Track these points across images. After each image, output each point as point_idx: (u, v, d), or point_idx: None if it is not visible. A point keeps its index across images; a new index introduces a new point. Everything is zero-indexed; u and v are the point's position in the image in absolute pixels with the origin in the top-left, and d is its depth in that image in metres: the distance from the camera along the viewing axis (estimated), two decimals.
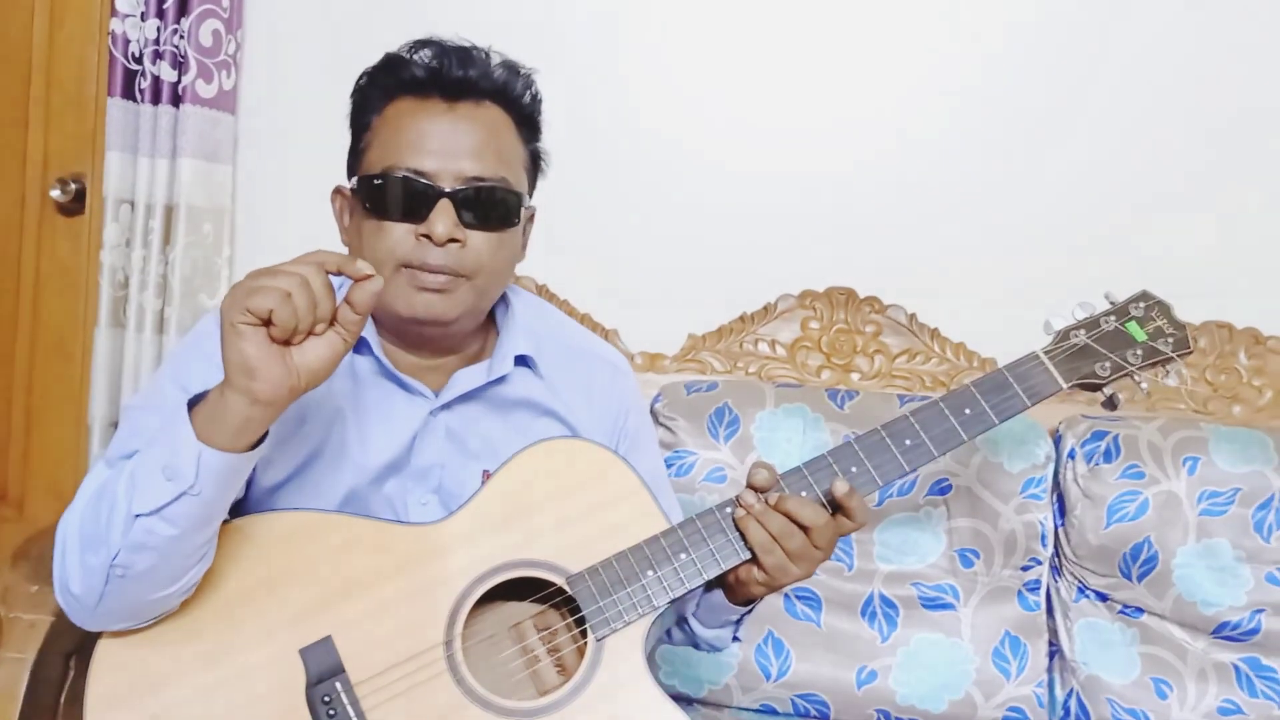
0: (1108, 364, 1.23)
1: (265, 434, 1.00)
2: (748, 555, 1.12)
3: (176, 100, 1.99)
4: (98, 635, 1.07)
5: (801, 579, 1.14)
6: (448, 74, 1.16)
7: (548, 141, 1.27)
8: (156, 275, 2.03)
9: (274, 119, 2.10)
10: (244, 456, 0.98)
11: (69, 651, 1.33)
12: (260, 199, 2.13)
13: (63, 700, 1.32)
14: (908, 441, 1.17)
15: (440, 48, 1.18)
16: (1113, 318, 1.25)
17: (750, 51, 2.00)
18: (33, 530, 1.61)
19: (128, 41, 1.99)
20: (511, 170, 1.18)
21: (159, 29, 1.97)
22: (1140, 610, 1.71)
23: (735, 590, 1.18)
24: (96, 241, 2.10)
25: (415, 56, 1.17)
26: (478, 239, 1.15)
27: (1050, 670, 1.75)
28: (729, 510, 1.14)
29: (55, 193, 2.20)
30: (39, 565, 1.35)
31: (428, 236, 1.12)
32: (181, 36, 1.96)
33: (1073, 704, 1.71)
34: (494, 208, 1.16)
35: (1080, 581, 1.74)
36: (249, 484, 1.17)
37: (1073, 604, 1.74)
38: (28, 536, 1.44)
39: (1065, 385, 1.22)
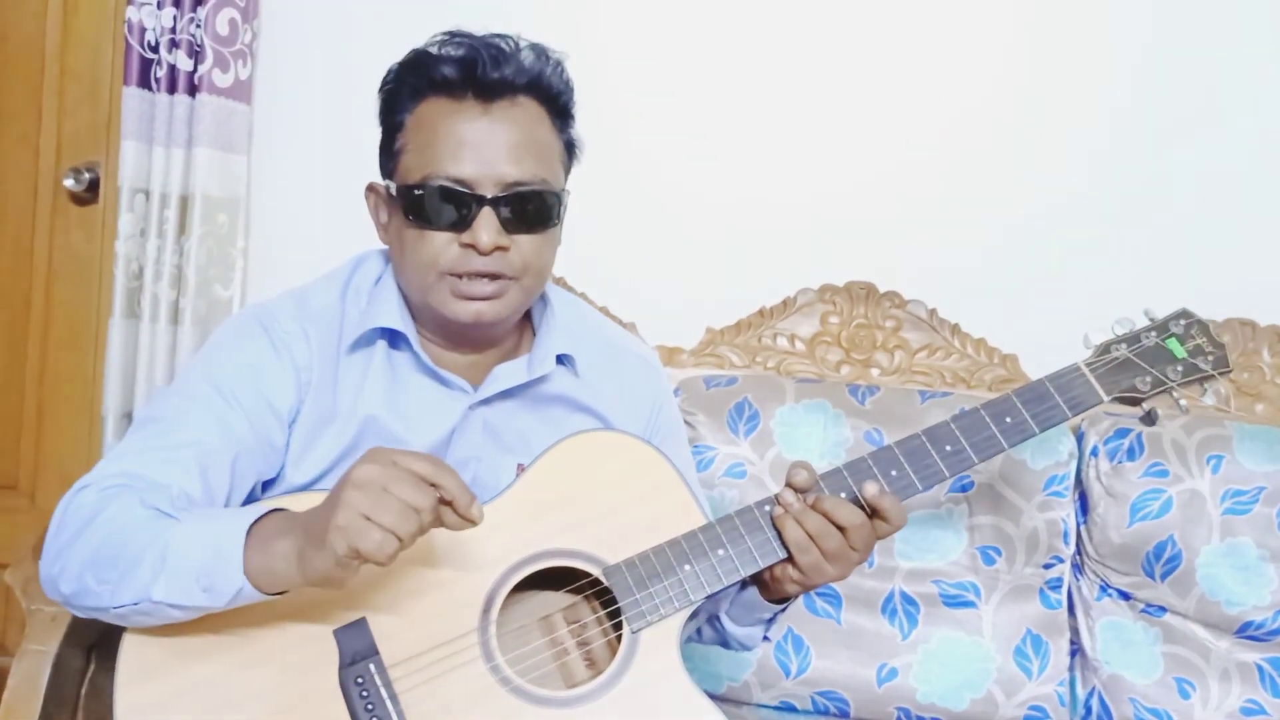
0: (1148, 379, 1.23)
1: None
2: (785, 554, 1.12)
3: (192, 90, 1.98)
4: None
5: (837, 579, 1.13)
6: (482, 74, 1.12)
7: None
8: (171, 266, 2.02)
9: (290, 109, 2.09)
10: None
11: (90, 644, 1.32)
12: (276, 189, 2.11)
13: (84, 692, 1.31)
14: (948, 447, 1.17)
15: (471, 44, 1.13)
16: (1153, 334, 1.26)
17: (771, 46, 1.98)
18: (46, 521, 1.60)
19: (144, 30, 1.98)
20: (550, 168, 1.16)
21: (175, 18, 1.96)
22: (1163, 609, 1.70)
23: (770, 588, 1.18)
24: (110, 231, 2.09)
25: (444, 52, 1.13)
26: (523, 242, 1.13)
27: (1072, 669, 1.73)
28: (768, 508, 1.13)
29: (69, 182, 2.19)
30: None
31: (472, 246, 1.11)
32: (198, 25, 1.95)
33: (1094, 703, 1.70)
34: (536, 211, 1.14)
35: (1103, 580, 1.72)
36: (280, 480, 1.17)
37: (1095, 603, 1.73)
38: (48, 528, 1.42)
39: (1106, 398, 1.22)
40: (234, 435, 1.11)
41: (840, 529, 1.10)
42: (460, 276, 1.13)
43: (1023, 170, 1.96)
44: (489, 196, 1.11)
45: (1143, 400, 1.24)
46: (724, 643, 1.31)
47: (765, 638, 1.30)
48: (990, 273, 1.97)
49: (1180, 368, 1.24)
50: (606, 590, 1.10)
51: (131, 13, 1.97)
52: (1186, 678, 1.67)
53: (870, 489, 1.11)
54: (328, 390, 1.18)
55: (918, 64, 1.96)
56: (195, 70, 1.97)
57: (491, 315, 1.15)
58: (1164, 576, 1.68)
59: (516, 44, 1.15)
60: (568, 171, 1.22)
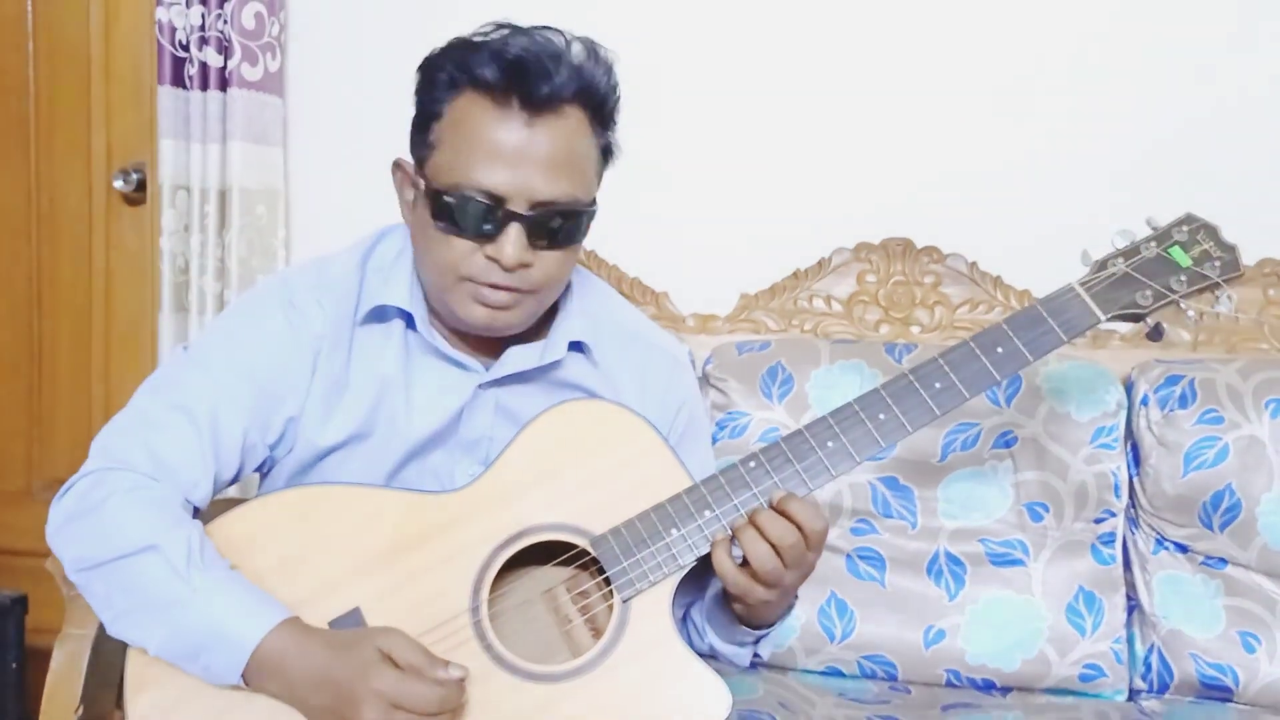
0: (1149, 292, 1.17)
1: None
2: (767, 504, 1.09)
3: (224, 85, 2.01)
4: None
5: (793, 587, 1.10)
6: (533, 86, 1.06)
7: None
8: (214, 259, 2.06)
9: (323, 99, 2.11)
10: None
11: None
12: (312, 179, 2.13)
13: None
14: (937, 384, 1.13)
15: (524, 49, 1.07)
16: (1154, 244, 1.19)
17: (801, 4, 1.94)
18: None
19: (174, 29, 2.01)
20: (584, 182, 1.12)
21: (203, 15, 1.99)
22: (1224, 561, 1.64)
23: (745, 617, 1.16)
24: (158, 228, 2.13)
25: (494, 49, 1.07)
26: (546, 257, 1.12)
27: (1129, 625, 1.67)
28: (752, 464, 1.11)
29: (118, 183, 2.26)
30: None
31: (496, 260, 1.09)
32: (225, 21, 1.98)
33: (1154, 660, 1.64)
34: (565, 229, 1.11)
35: (1158, 533, 1.66)
36: (300, 440, 1.19)
37: (1151, 556, 1.66)
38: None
39: (1104, 317, 1.16)
40: (247, 410, 1.15)
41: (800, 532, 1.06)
42: (479, 286, 1.12)
43: (1063, 117, 1.88)
44: (519, 213, 1.08)
45: (1145, 315, 1.17)
46: (712, 655, 1.26)
47: (757, 655, 1.26)
48: (1032, 222, 1.90)
49: (1184, 277, 1.17)
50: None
51: (161, 13, 2.00)
52: (1251, 631, 1.61)
53: (776, 496, 1.07)
54: (340, 357, 1.19)
55: (947, 13, 1.90)
56: (225, 66, 2.00)
57: (503, 324, 1.15)
58: (1223, 527, 1.61)
59: (567, 42, 1.10)
60: (601, 176, 1.18)
